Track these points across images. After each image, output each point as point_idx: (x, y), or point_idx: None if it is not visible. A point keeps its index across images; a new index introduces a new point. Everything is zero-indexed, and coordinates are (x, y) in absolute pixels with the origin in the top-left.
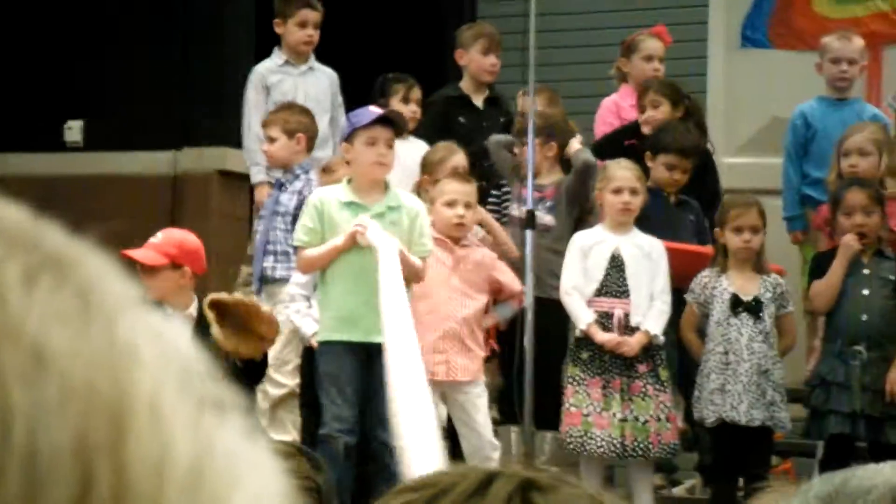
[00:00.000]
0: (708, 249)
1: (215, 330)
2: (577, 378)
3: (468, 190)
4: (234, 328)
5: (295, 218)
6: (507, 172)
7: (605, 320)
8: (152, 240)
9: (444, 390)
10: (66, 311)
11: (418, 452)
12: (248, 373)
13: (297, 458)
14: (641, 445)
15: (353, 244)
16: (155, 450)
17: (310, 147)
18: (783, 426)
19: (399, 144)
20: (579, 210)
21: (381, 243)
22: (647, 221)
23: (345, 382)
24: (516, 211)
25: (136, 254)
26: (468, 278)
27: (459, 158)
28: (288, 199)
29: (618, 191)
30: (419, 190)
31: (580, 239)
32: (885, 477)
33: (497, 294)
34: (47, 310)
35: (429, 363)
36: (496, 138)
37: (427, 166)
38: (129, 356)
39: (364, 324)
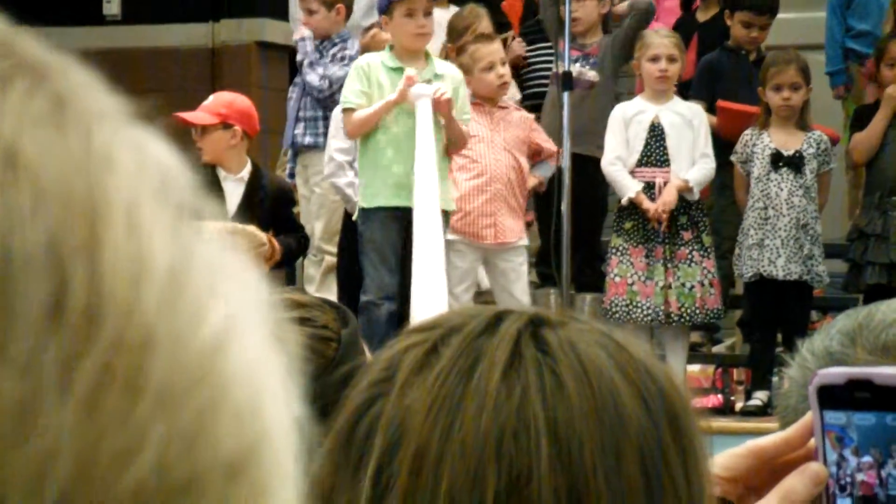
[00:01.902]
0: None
1: None
2: (620, 248)
3: (498, 48)
4: None
5: (331, 84)
6: (553, 29)
7: (647, 190)
8: (204, 103)
9: (489, 255)
10: (40, 115)
11: (427, 301)
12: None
13: (319, 310)
14: (688, 311)
15: (404, 100)
16: (131, 257)
17: (347, 15)
18: (821, 280)
19: (439, 12)
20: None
21: (420, 102)
22: (727, 80)
23: (388, 249)
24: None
25: (188, 115)
26: (509, 139)
27: (485, 23)
28: (321, 80)
29: (655, 58)
30: (446, 57)
31: (620, 110)
32: None
33: (535, 156)
34: (21, 113)
35: (476, 227)
36: None
37: (452, 32)
38: (106, 163)
39: (411, 190)
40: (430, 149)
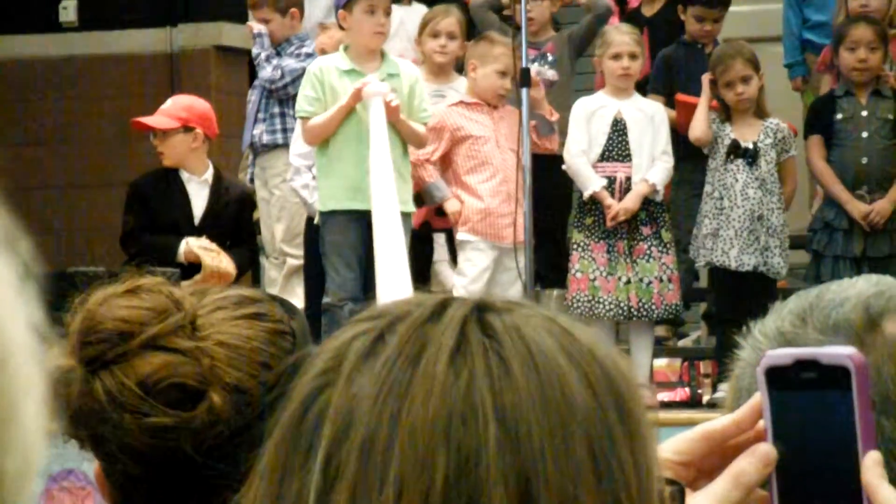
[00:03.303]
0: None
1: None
2: (581, 244)
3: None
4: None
5: (283, 75)
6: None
7: (608, 186)
8: (162, 107)
9: (503, 255)
10: None
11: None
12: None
13: (269, 304)
14: (646, 307)
15: (358, 101)
16: None
17: (301, 16)
18: (777, 272)
19: (401, 10)
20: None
21: (373, 101)
22: (683, 74)
23: (349, 251)
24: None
25: (149, 120)
26: (512, 136)
27: (449, 22)
28: (273, 70)
29: (617, 56)
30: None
31: (582, 104)
32: (858, 289)
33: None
34: None
35: (497, 227)
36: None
37: (421, 28)
38: None
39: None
40: (383, 149)
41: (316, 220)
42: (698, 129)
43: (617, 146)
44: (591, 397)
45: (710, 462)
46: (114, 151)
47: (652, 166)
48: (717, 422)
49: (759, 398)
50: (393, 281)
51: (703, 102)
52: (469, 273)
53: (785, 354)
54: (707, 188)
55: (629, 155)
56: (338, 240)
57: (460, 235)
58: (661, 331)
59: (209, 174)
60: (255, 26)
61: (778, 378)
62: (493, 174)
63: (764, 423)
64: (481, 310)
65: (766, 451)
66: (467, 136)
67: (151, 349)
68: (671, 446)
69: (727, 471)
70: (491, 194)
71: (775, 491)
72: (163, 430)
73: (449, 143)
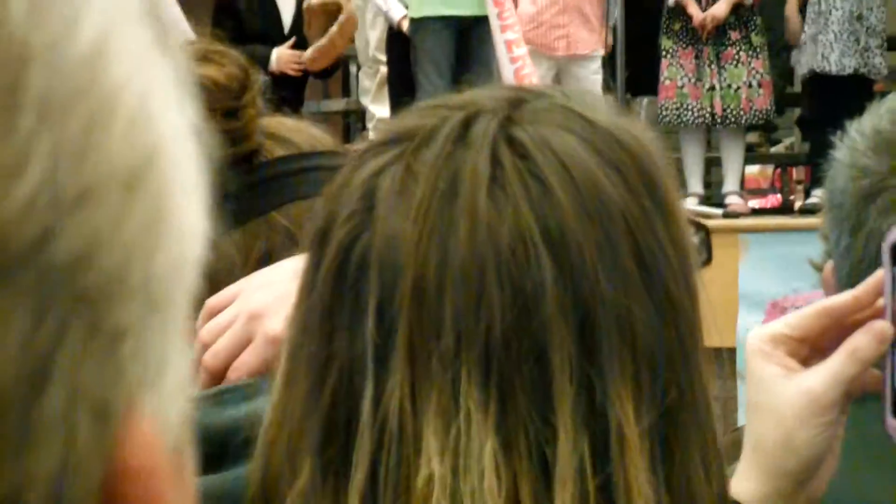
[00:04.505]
0: None
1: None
2: (670, 50)
3: None
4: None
5: None
6: None
7: None
8: None
9: (562, 65)
10: None
11: None
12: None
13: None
14: (734, 112)
15: None
16: None
17: None
18: (878, 72)
19: None
20: None
21: None
22: None
23: (442, 58)
24: None
25: None
26: None
27: None
28: None
29: None
30: None
31: None
32: None
33: None
34: None
35: (549, 38)
36: None
37: None
38: None
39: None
40: None
41: (404, 28)
42: None
43: None
44: (627, 192)
45: (827, 339)
46: None
47: None
48: (836, 298)
49: (882, 274)
50: None
51: None
52: None
53: None
54: None
55: None
56: (430, 47)
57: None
58: (752, 137)
59: None
60: None
61: None
62: None
63: (884, 300)
64: (506, 124)
65: (882, 327)
66: None
67: None
68: (787, 321)
69: (842, 346)
70: (547, 4)
71: (889, 369)
72: None
73: None
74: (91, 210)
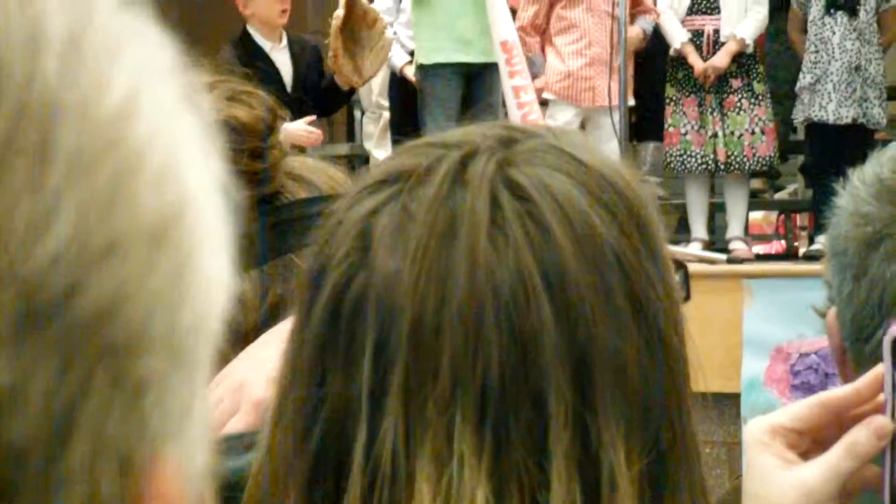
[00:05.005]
0: None
1: (335, 32)
2: (673, 98)
3: None
4: (346, 46)
5: None
6: None
7: (697, 39)
8: None
9: (587, 114)
10: None
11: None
12: (332, 93)
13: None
14: (737, 159)
15: None
16: (25, 27)
17: None
18: (877, 123)
19: None
20: None
21: None
22: None
23: (451, 103)
24: None
25: None
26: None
27: None
28: None
29: None
30: None
31: None
32: None
33: (633, 7)
34: None
35: (575, 91)
36: None
37: None
38: None
39: (480, 44)
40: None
41: (407, 75)
42: None
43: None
44: (620, 234)
45: (826, 432)
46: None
47: (743, 18)
48: (837, 391)
49: (882, 369)
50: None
51: None
52: None
53: None
54: (806, 43)
55: (717, 7)
56: (439, 91)
57: (545, 95)
58: (757, 183)
59: (284, 37)
60: None
61: None
62: (578, 37)
63: (884, 395)
64: (504, 165)
65: (881, 423)
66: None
67: None
68: (788, 411)
69: (841, 440)
70: (574, 57)
71: (888, 465)
72: None
73: (547, 4)
74: (117, 264)
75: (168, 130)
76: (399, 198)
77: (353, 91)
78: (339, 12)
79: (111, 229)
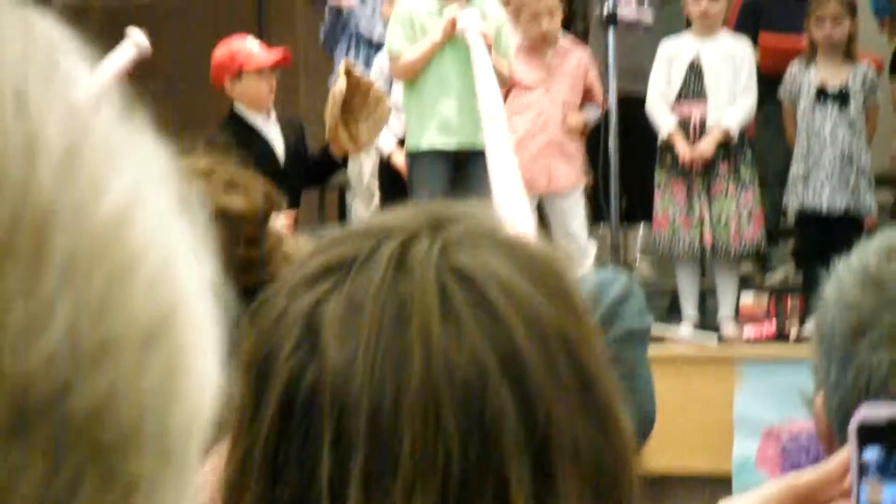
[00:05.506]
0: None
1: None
2: (662, 182)
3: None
4: (344, 116)
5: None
6: None
7: (685, 126)
8: (252, 43)
9: (543, 199)
10: None
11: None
12: (323, 165)
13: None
14: (724, 244)
15: (451, 35)
16: (22, 135)
17: None
18: (869, 210)
19: None
20: None
21: (474, 39)
22: (769, 17)
23: (439, 189)
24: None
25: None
26: (565, 84)
27: None
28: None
29: None
30: None
31: (665, 47)
32: None
33: (584, 95)
34: None
35: (530, 173)
36: None
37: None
38: None
39: (463, 129)
40: (491, 78)
41: (394, 161)
42: None
43: (693, 86)
44: (562, 313)
45: None
46: (199, 94)
47: (730, 106)
48: (804, 476)
49: (848, 453)
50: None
51: None
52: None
53: (879, 415)
54: (797, 134)
55: (705, 95)
56: (426, 177)
57: None
58: (747, 267)
59: (273, 112)
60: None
61: (871, 433)
62: (534, 119)
63: (850, 480)
64: (445, 249)
65: None
66: (517, 82)
67: None
68: (757, 499)
69: None
70: (528, 139)
71: None
72: None
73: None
74: (109, 366)
75: (162, 235)
76: (342, 287)
77: (346, 160)
78: (341, 82)
79: (104, 332)
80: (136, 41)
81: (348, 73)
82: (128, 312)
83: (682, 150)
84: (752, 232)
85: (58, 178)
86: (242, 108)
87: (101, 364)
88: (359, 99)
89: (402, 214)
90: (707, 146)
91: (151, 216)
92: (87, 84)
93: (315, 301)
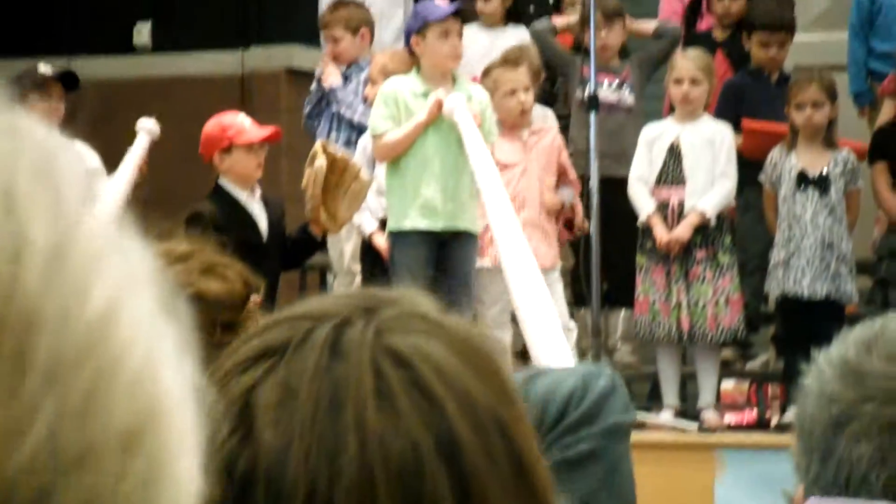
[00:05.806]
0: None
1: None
2: (643, 266)
3: (522, 74)
4: (323, 194)
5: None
6: (562, 58)
7: (664, 210)
8: (243, 118)
9: None
10: None
11: (546, 344)
12: (302, 244)
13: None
14: (701, 330)
15: (437, 117)
16: (10, 237)
17: (371, 39)
18: (849, 298)
19: (491, 33)
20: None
21: (463, 118)
22: (750, 102)
23: (421, 271)
24: (580, 93)
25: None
26: (541, 164)
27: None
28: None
29: (678, 81)
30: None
31: (646, 131)
32: None
33: (559, 177)
34: None
35: None
36: (539, 25)
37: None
38: None
39: (445, 211)
40: (486, 157)
41: (376, 242)
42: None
43: (672, 171)
44: (494, 395)
45: None
46: (182, 172)
47: (708, 190)
48: None
49: None
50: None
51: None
52: (485, 300)
53: None
54: (778, 220)
55: (684, 179)
56: (408, 260)
57: (479, 263)
58: (728, 353)
59: (258, 189)
60: (327, 80)
61: None
62: (511, 200)
63: None
64: (379, 333)
65: None
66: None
67: None
68: None
69: None
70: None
71: None
72: None
73: None
74: (89, 470)
75: (144, 339)
76: (276, 371)
77: (325, 240)
78: (321, 160)
79: (85, 437)
80: (147, 128)
81: (324, 149)
82: (109, 417)
83: (660, 234)
84: (730, 318)
85: (43, 281)
86: (228, 183)
87: (81, 468)
88: (335, 176)
89: (336, 299)
90: (683, 230)
91: (134, 319)
92: (86, 180)
93: (249, 386)
